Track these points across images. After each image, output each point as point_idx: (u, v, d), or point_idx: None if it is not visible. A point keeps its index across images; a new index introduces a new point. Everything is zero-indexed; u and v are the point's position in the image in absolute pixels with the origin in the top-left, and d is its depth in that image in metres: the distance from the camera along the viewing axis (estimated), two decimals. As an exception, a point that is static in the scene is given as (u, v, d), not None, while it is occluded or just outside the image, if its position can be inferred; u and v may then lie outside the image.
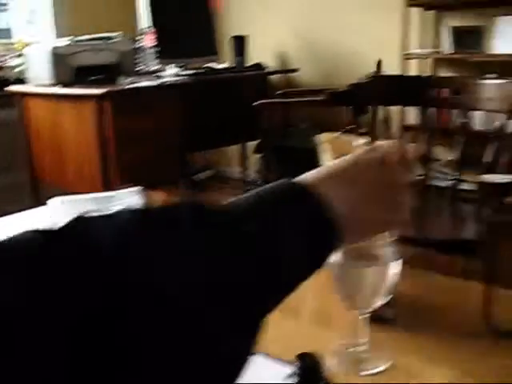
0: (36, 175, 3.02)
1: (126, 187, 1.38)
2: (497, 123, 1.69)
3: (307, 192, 0.44)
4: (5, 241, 0.33)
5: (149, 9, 3.19)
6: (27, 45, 3.21)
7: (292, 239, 0.41)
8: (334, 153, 0.71)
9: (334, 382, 0.57)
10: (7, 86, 3.13)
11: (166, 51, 3.25)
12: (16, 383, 0.28)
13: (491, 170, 1.68)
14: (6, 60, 3.40)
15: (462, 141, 1.76)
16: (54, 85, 2.79)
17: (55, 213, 1.20)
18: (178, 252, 0.35)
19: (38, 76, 2.87)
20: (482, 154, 1.65)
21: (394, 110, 3.10)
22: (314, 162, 0.62)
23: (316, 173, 0.48)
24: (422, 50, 3.22)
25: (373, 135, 1.68)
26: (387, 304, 0.70)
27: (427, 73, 3.31)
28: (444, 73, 3.26)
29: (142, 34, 3.30)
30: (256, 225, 0.40)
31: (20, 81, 3.21)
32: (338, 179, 0.48)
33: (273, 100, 3.06)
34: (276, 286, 0.40)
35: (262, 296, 0.39)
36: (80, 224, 0.36)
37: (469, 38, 3.01)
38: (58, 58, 2.78)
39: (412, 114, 3.11)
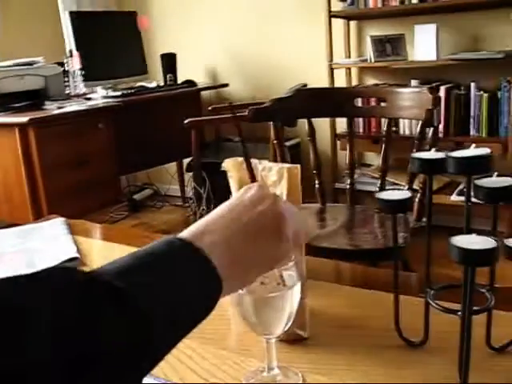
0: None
1: (51, 218, 1.36)
2: (417, 129, 1.74)
3: (189, 247, 0.46)
4: None
5: (71, 32, 3.15)
6: None
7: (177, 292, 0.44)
8: (239, 180, 0.72)
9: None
10: None
11: (93, 73, 3.22)
12: None
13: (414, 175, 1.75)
14: None
15: (384, 147, 1.80)
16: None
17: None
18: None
19: (-41, 105, 2.78)
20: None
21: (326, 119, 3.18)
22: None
23: (192, 230, 0.50)
24: (348, 59, 3.30)
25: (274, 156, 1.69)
26: (299, 324, 0.72)
27: (354, 82, 3.39)
28: (370, 81, 3.35)
29: (69, 57, 3.25)
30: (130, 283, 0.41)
31: None
32: (213, 233, 0.49)
33: (200, 118, 3.06)
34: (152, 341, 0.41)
35: (137, 356, 0.39)
36: None
37: (390, 47, 3.11)
38: (-21, 86, 2.71)
39: (343, 123, 3.17)
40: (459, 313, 0.58)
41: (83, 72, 3.18)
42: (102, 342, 0.37)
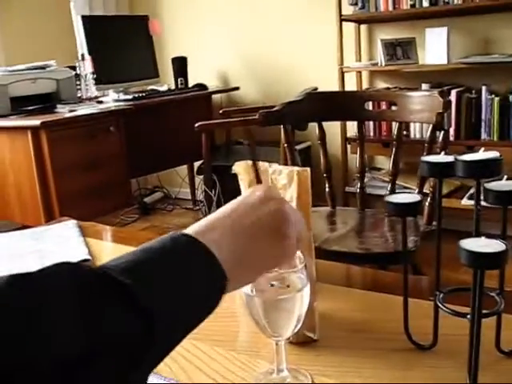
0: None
1: (63, 220, 1.37)
2: (428, 133, 1.74)
3: (194, 244, 0.47)
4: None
5: (84, 36, 3.18)
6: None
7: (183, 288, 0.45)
8: (250, 182, 0.72)
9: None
10: None
11: (104, 77, 3.24)
12: None
13: (424, 179, 1.74)
14: None
15: (395, 151, 1.80)
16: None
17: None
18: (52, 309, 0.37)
19: (-27, 108, 2.81)
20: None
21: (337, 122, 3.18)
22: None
23: (196, 227, 0.50)
24: (358, 63, 3.30)
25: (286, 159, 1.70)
26: (309, 326, 0.72)
27: (364, 85, 3.39)
28: (380, 84, 3.35)
29: (81, 61, 3.27)
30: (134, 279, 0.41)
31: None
32: (217, 231, 0.50)
33: (210, 121, 3.08)
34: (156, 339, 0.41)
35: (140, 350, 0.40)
36: None
37: (401, 50, 3.10)
38: (-8, 89, 2.74)
39: (354, 126, 3.18)
40: (468, 316, 0.59)
41: (95, 75, 3.21)
42: (105, 338, 0.37)
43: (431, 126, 1.65)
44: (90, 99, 3.27)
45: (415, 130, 3.10)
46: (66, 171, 2.61)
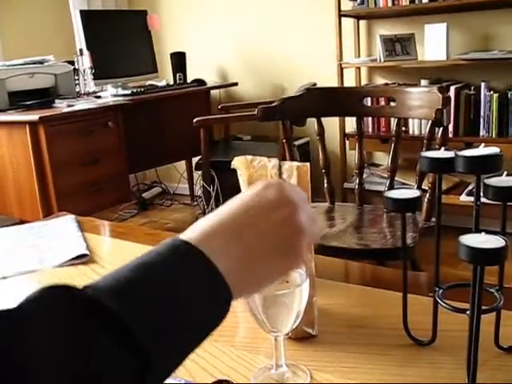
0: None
1: (61, 215, 1.37)
2: (427, 129, 1.74)
3: (193, 253, 0.43)
4: None
5: (82, 30, 3.16)
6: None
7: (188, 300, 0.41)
8: (249, 178, 0.72)
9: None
10: None
11: (103, 72, 3.23)
12: None
13: (423, 175, 1.74)
14: None
15: (394, 147, 1.80)
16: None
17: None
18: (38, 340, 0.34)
19: (-30, 103, 2.80)
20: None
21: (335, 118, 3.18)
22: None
23: (198, 230, 0.46)
24: (357, 59, 3.30)
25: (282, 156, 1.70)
26: (308, 322, 0.72)
27: (363, 81, 3.39)
28: (379, 80, 3.34)
29: (79, 56, 3.26)
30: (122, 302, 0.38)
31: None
32: (222, 237, 0.46)
33: (209, 117, 3.08)
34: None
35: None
36: None
37: (400, 46, 3.10)
38: (-11, 83, 2.73)
39: (353, 122, 3.18)
40: (468, 312, 0.58)
41: (93, 70, 3.20)
42: (95, 378, 0.35)
43: (430, 122, 1.64)
44: (89, 94, 3.26)
45: (414, 127, 3.10)
46: (64, 166, 2.60)
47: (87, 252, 1.08)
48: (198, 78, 3.63)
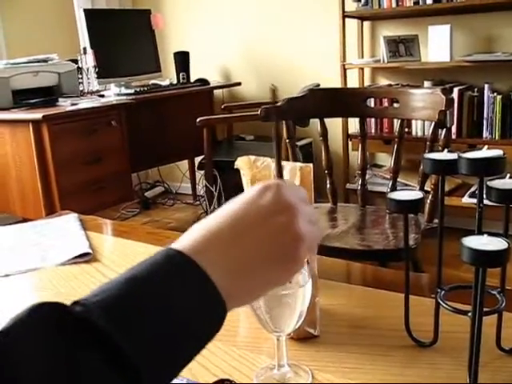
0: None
1: (64, 214, 1.37)
2: (430, 131, 1.74)
3: (188, 265, 0.42)
4: None
5: (86, 29, 3.17)
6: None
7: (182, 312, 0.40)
8: (252, 177, 0.73)
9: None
10: None
11: (106, 71, 3.24)
12: None
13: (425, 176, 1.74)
14: None
15: (397, 148, 1.80)
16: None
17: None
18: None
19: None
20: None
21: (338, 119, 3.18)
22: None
23: (193, 239, 0.44)
24: (361, 60, 3.30)
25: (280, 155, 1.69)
26: (310, 322, 0.72)
27: (367, 82, 3.39)
28: (382, 81, 3.34)
29: (83, 54, 3.27)
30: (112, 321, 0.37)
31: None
32: (218, 246, 0.44)
33: (212, 117, 3.08)
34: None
35: None
36: None
37: (403, 47, 3.10)
38: (-6, 81, 2.74)
39: (356, 123, 3.17)
40: (470, 314, 0.59)
41: (97, 69, 3.20)
42: None
43: (433, 123, 1.64)
44: (92, 93, 3.27)
45: (417, 128, 3.09)
46: (67, 165, 2.61)
47: (90, 250, 1.08)
48: (201, 78, 3.63)
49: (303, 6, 3.48)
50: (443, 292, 0.66)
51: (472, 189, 2.92)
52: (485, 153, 0.56)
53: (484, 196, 0.59)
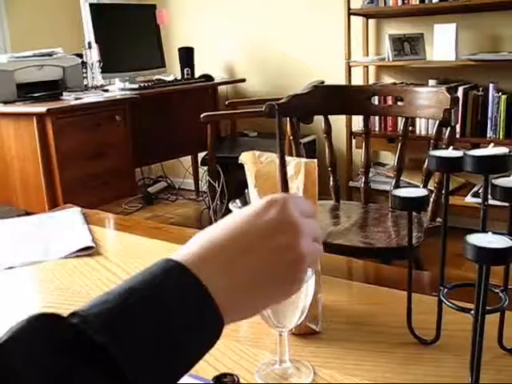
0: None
1: (67, 207, 1.37)
2: (434, 129, 1.74)
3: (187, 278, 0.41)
4: None
5: (91, 24, 3.17)
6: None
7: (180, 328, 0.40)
8: (256, 173, 0.72)
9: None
10: None
11: (111, 65, 3.24)
12: None
13: (429, 175, 1.74)
14: None
15: (400, 146, 1.79)
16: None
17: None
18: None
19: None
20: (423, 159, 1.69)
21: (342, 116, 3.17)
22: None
23: (193, 251, 0.44)
24: (365, 58, 3.29)
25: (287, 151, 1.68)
26: (312, 318, 0.72)
27: (371, 80, 3.38)
28: (387, 80, 3.34)
29: (87, 49, 3.27)
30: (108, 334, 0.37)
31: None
32: (219, 260, 0.44)
33: (216, 112, 3.08)
34: None
35: None
36: None
37: (409, 46, 3.09)
38: (-2, 74, 2.74)
39: (359, 121, 3.17)
40: (472, 312, 0.58)
41: (101, 64, 3.20)
42: None
43: (437, 122, 1.64)
44: (96, 87, 3.27)
45: (421, 127, 3.09)
46: (71, 159, 2.61)
47: (93, 244, 1.09)
48: (205, 74, 3.63)
49: (309, 2, 3.47)
50: (446, 290, 0.66)
51: (475, 188, 2.92)
52: (490, 150, 0.56)
53: (489, 194, 0.59)
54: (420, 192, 0.66)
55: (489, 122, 2.90)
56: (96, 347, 0.36)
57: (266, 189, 0.73)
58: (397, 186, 1.79)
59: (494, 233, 0.55)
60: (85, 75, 3.25)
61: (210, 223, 0.48)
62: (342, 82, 3.24)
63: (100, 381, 0.35)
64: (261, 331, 0.72)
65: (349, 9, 3.14)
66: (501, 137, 2.88)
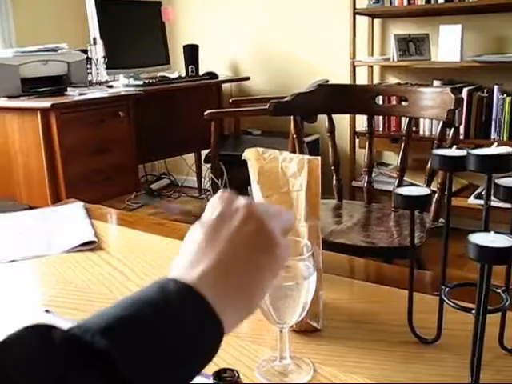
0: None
1: (69, 202, 1.37)
2: (438, 130, 1.74)
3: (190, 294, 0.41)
4: None
5: (96, 20, 3.17)
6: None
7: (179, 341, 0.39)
8: (259, 169, 0.73)
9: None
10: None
11: (115, 61, 3.24)
12: None
13: (431, 176, 1.74)
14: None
15: (404, 147, 1.79)
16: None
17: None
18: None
19: (-18, 88, 2.82)
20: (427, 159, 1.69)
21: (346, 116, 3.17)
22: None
23: (182, 268, 0.44)
24: (370, 57, 3.29)
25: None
26: (313, 315, 0.72)
27: (375, 80, 3.38)
28: (391, 80, 3.33)
29: (92, 45, 3.27)
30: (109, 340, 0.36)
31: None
32: (202, 262, 0.44)
33: (220, 110, 3.08)
34: None
35: None
36: None
37: (414, 46, 3.09)
38: (3, 69, 2.74)
39: (363, 121, 3.17)
40: (473, 311, 0.58)
41: (106, 60, 3.20)
42: None
43: (441, 122, 1.64)
44: (101, 83, 3.27)
45: (424, 127, 3.08)
46: (74, 154, 2.62)
47: (95, 239, 1.09)
48: (209, 71, 3.63)
49: (314, 1, 3.47)
50: (447, 289, 0.66)
51: (478, 190, 2.91)
52: (494, 150, 0.56)
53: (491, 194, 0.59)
54: (423, 191, 0.66)
55: (493, 123, 2.90)
56: (94, 353, 0.35)
57: (269, 185, 0.73)
58: (400, 186, 1.79)
59: (497, 232, 0.55)
60: (89, 71, 3.25)
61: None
62: (347, 81, 3.23)
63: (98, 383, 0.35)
64: (261, 327, 0.72)
65: (354, 8, 3.14)
66: (505, 138, 2.87)
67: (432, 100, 1.71)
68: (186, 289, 0.41)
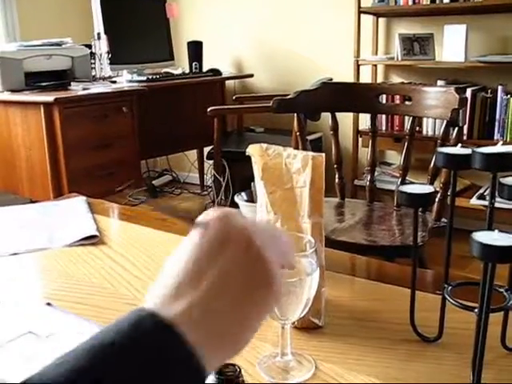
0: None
1: (72, 196, 1.37)
2: (441, 130, 1.73)
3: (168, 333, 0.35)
4: None
5: (101, 15, 3.17)
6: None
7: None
8: (263, 165, 0.72)
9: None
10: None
11: (119, 57, 3.24)
12: None
13: (434, 175, 1.74)
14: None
15: (407, 146, 1.79)
16: (1, 91, 2.75)
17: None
18: None
19: (-15, 82, 2.82)
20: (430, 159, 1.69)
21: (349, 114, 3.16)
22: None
23: (161, 299, 0.38)
24: (374, 56, 3.28)
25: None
26: (315, 312, 0.72)
27: (379, 79, 3.37)
28: (395, 79, 3.33)
29: (96, 40, 3.27)
30: None
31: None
32: (197, 311, 0.37)
33: (223, 107, 3.07)
34: None
35: None
36: None
37: (418, 46, 3.08)
38: (6, 63, 2.74)
39: (366, 120, 3.17)
40: (476, 310, 0.58)
41: (110, 55, 3.20)
42: None
43: (445, 121, 1.63)
44: (104, 78, 3.28)
45: (427, 127, 3.08)
46: (77, 148, 2.62)
47: (97, 233, 1.09)
48: (213, 68, 3.63)
49: (319, 0, 3.46)
50: (450, 287, 0.66)
51: (481, 190, 2.91)
52: (499, 148, 0.56)
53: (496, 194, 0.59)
54: (427, 189, 0.65)
55: (496, 123, 2.89)
56: None
57: (273, 181, 0.73)
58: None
59: (501, 231, 0.55)
60: (93, 66, 3.26)
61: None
62: (350, 79, 3.23)
63: None
64: (264, 324, 0.72)
65: (359, 7, 3.13)
66: (508, 139, 2.87)
67: (436, 99, 1.70)
68: (165, 328, 0.35)
